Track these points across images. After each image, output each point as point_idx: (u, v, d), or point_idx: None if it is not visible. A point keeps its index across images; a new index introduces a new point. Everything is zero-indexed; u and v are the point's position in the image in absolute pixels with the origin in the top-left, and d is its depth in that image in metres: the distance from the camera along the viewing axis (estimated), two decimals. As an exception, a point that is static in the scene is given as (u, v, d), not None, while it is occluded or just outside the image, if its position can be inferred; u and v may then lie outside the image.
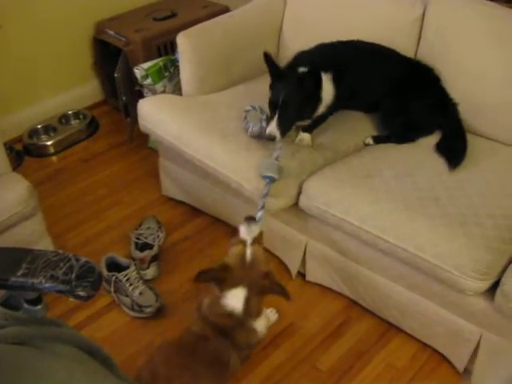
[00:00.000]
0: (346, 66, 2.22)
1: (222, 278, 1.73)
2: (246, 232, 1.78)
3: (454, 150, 2.19)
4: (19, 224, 2.15)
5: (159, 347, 1.83)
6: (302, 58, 2.24)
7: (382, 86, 2.35)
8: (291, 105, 2.01)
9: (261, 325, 1.81)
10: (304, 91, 2.02)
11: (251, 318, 1.76)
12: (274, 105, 2.03)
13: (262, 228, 1.83)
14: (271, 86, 2.09)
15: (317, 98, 2.09)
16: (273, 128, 2.01)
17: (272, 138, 2.02)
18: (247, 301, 1.72)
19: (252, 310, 1.74)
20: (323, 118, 2.25)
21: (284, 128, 2.02)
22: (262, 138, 2.16)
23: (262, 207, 1.95)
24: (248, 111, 2.22)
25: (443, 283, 1.88)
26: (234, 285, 1.73)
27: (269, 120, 2.06)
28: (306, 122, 2.21)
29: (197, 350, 1.72)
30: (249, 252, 1.74)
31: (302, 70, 2.08)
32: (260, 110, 2.17)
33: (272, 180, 2.00)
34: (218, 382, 1.76)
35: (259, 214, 1.91)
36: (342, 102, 2.25)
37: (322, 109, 2.16)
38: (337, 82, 2.15)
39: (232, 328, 1.74)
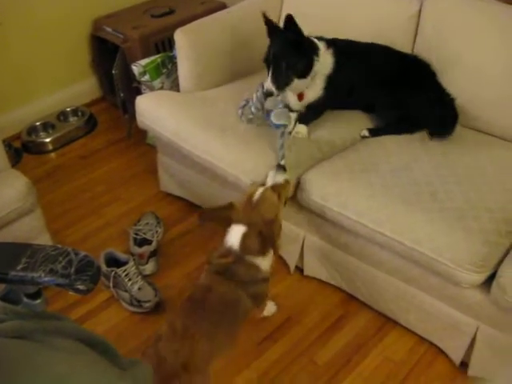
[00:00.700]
0: (345, 49, 2.27)
1: (225, 216, 1.80)
2: (269, 176, 1.87)
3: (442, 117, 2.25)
4: (18, 220, 2.17)
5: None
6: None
7: (378, 81, 2.36)
8: (282, 59, 2.05)
9: (264, 263, 1.83)
10: (293, 45, 2.06)
11: (250, 255, 1.79)
12: (267, 61, 2.10)
13: (289, 179, 1.91)
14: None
15: (310, 55, 2.12)
16: (268, 84, 2.08)
17: (269, 94, 2.10)
18: (245, 238, 1.77)
19: (251, 247, 1.78)
20: (319, 106, 2.27)
21: (279, 82, 2.07)
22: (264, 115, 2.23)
23: (283, 157, 2.01)
24: (244, 106, 2.26)
25: (440, 276, 1.89)
26: (236, 222, 1.79)
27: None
28: (304, 87, 2.20)
29: (206, 299, 1.76)
30: (258, 194, 1.79)
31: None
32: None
33: (285, 127, 2.09)
34: (232, 324, 1.80)
35: (281, 162, 1.98)
36: (337, 93, 2.28)
37: (319, 72, 2.17)
38: (337, 59, 2.20)
39: (232, 264, 1.78)
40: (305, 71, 2.13)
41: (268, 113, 2.22)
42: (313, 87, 2.21)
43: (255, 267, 1.81)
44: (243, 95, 2.31)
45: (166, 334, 1.70)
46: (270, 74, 2.08)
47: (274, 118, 2.12)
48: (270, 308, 2.24)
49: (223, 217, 1.82)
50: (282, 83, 2.08)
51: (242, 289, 1.79)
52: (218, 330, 1.74)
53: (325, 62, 2.18)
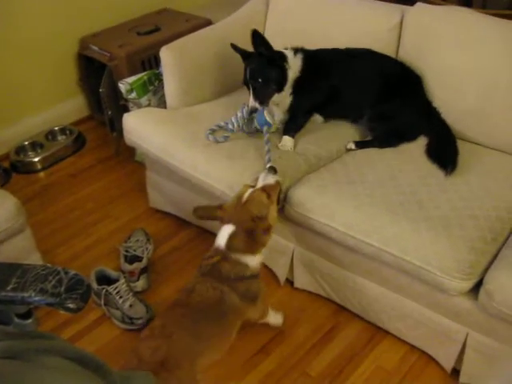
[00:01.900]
0: (318, 54, 2.38)
1: (215, 217, 1.88)
2: (260, 178, 1.93)
3: (446, 155, 2.22)
4: (8, 240, 2.17)
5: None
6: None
7: (363, 88, 2.39)
8: (258, 76, 2.19)
9: (253, 261, 1.88)
10: (264, 60, 2.20)
11: (237, 253, 1.84)
12: (246, 83, 2.24)
13: (279, 180, 1.97)
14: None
15: (281, 64, 2.24)
16: (251, 102, 2.22)
17: (254, 110, 2.23)
18: (232, 236, 1.83)
19: (237, 245, 1.83)
20: (298, 110, 2.35)
21: (260, 98, 2.21)
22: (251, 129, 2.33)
23: (269, 160, 2.10)
24: (213, 130, 2.36)
25: (428, 284, 1.91)
26: (225, 222, 1.86)
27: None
28: (280, 98, 2.30)
29: (189, 301, 1.79)
30: (247, 194, 1.85)
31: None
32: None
33: (269, 127, 2.24)
34: (219, 321, 1.81)
35: (268, 165, 2.04)
36: (312, 95, 2.36)
37: (291, 77, 2.27)
38: (306, 61, 2.31)
39: (217, 263, 1.83)
40: (280, 82, 2.24)
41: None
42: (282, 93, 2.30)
43: (242, 265, 1.85)
44: (229, 111, 2.34)
45: (146, 335, 1.73)
46: (251, 93, 2.22)
47: (257, 118, 2.25)
48: (277, 318, 2.25)
49: (213, 217, 1.90)
50: (263, 98, 2.22)
51: (228, 286, 1.82)
52: (202, 327, 1.76)
53: (293, 66, 2.27)
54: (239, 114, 2.31)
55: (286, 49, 2.31)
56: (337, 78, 2.36)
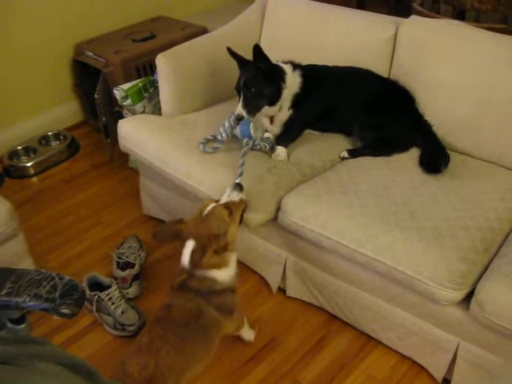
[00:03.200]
0: (319, 75, 2.38)
1: (176, 231, 1.86)
2: (225, 193, 1.93)
3: (438, 161, 2.26)
4: (0, 245, 2.16)
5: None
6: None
7: (358, 105, 2.41)
8: (252, 86, 2.18)
9: (221, 275, 1.86)
10: (261, 73, 2.19)
11: (201, 269, 1.82)
12: (238, 89, 2.22)
13: (244, 198, 1.96)
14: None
15: (278, 81, 2.23)
16: (239, 109, 2.19)
17: (240, 118, 2.20)
18: (193, 252, 1.80)
19: (198, 261, 1.79)
20: (294, 126, 2.35)
21: (249, 107, 2.19)
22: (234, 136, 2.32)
23: (241, 175, 2.08)
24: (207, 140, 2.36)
25: (419, 294, 1.92)
26: (187, 237, 1.84)
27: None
28: (275, 111, 2.30)
29: (169, 315, 1.80)
30: (208, 209, 1.84)
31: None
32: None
33: (250, 138, 2.23)
34: (200, 335, 1.81)
35: (238, 180, 2.04)
36: (310, 112, 2.36)
37: (288, 95, 2.27)
38: (306, 80, 2.31)
39: (186, 280, 1.84)
40: (273, 98, 2.24)
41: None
42: (281, 107, 2.30)
43: (210, 280, 1.84)
44: (223, 119, 2.35)
45: (133, 351, 1.72)
46: (241, 100, 2.20)
47: (241, 128, 2.26)
48: (249, 334, 2.24)
49: (175, 232, 1.87)
50: (251, 108, 2.20)
51: (203, 299, 1.82)
52: (185, 341, 1.76)
53: (292, 83, 2.28)
54: (226, 124, 2.31)
55: (286, 63, 2.31)
56: (332, 94, 2.38)
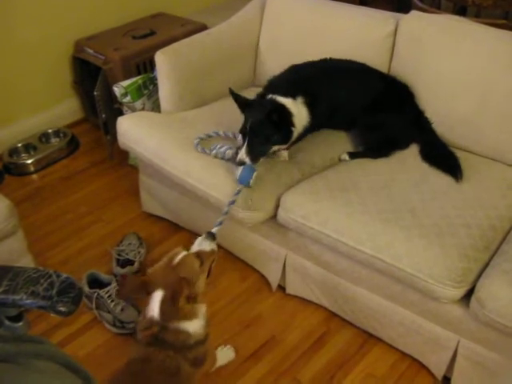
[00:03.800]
0: (319, 88, 2.27)
1: (142, 283, 1.71)
2: (196, 242, 1.83)
3: (448, 162, 2.25)
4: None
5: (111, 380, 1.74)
6: (273, 84, 2.29)
7: (358, 103, 2.39)
8: (258, 133, 2.07)
9: (193, 326, 1.73)
10: (270, 121, 2.07)
11: (173, 321, 1.70)
12: (243, 133, 2.11)
13: (215, 249, 1.85)
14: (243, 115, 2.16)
15: (288, 125, 2.12)
16: (242, 154, 2.07)
17: (242, 164, 2.08)
18: (163, 303, 1.67)
19: (170, 312, 1.68)
20: (300, 138, 2.28)
21: (253, 154, 2.07)
22: (233, 162, 2.19)
23: (220, 224, 1.98)
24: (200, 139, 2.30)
25: (419, 292, 1.92)
26: (154, 288, 1.70)
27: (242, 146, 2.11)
28: (284, 147, 2.23)
29: (145, 372, 1.67)
30: (178, 258, 1.73)
31: (270, 97, 2.15)
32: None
33: (248, 186, 2.07)
34: None
35: (214, 229, 1.93)
36: (319, 122, 2.30)
37: (297, 132, 2.17)
38: (310, 105, 2.19)
39: (158, 334, 1.69)
40: (283, 141, 2.16)
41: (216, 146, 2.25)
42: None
43: (184, 333, 1.71)
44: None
45: None
46: (245, 145, 2.08)
47: (242, 172, 2.08)
48: (225, 359, 2.16)
49: (141, 285, 1.72)
50: (256, 156, 2.09)
51: (180, 355, 1.71)
52: None
53: (300, 119, 2.17)
54: (224, 150, 2.23)
55: (285, 96, 2.16)
56: (333, 100, 2.33)
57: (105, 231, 2.83)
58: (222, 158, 2.24)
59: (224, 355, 2.16)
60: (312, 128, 2.28)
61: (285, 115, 2.11)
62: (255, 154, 2.08)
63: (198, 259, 1.76)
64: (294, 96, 2.17)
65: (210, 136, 2.35)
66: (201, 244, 1.84)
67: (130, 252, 2.53)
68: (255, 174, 2.06)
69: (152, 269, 1.76)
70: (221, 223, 1.98)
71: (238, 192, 2.07)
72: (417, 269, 1.85)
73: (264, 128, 2.07)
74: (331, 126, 2.46)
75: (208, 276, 1.83)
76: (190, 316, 1.73)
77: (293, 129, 2.13)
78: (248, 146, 2.07)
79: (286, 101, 2.14)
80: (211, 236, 1.86)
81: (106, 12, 3.58)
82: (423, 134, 2.38)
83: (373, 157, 2.33)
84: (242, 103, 2.16)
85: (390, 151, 2.35)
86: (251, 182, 2.06)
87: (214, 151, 2.24)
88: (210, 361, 1.95)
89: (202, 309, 1.78)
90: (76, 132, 3.59)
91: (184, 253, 1.76)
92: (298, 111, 2.16)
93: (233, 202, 2.07)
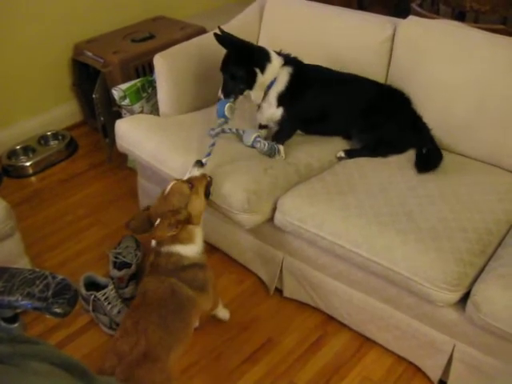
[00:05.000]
0: (311, 78, 2.36)
1: (146, 217, 1.91)
2: (188, 171, 1.99)
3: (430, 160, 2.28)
4: (-3, 244, 2.17)
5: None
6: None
7: (353, 110, 2.41)
8: (226, 70, 2.26)
9: (187, 250, 1.90)
10: (236, 56, 2.24)
11: (166, 245, 1.88)
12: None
13: (205, 173, 2.04)
14: None
15: (252, 67, 2.24)
16: (219, 91, 2.29)
17: (219, 99, 2.29)
18: (155, 228, 1.83)
19: (155, 233, 1.83)
20: (286, 122, 2.34)
21: (226, 91, 2.28)
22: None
23: (208, 155, 2.15)
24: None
25: (415, 295, 1.92)
26: (154, 219, 1.87)
27: None
28: (258, 98, 2.33)
29: (146, 301, 1.81)
30: (169, 186, 1.92)
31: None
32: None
33: (225, 118, 2.28)
34: (179, 311, 1.83)
35: (204, 159, 2.10)
36: (302, 113, 2.36)
37: (266, 81, 2.26)
38: (293, 77, 2.29)
39: (153, 260, 1.90)
40: (248, 82, 2.26)
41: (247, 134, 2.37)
42: (267, 102, 2.32)
43: (175, 255, 1.88)
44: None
45: (120, 335, 1.73)
46: (222, 83, 2.28)
47: (218, 107, 2.28)
48: (224, 313, 2.31)
49: (146, 218, 1.91)
50: (228, 92, 2.27)
51: (173, 276, 1.85)
52: (167, 321, 1.77)
53: (278, 80, 2.28)
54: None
55: (283, 55, 2.31)
56: (325, 100, 2.38)
57: (103, 234, 2.83)
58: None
59: (223, 311, 2.31)
60: (297, 120, 2.38)
61: (257, 55, 2.26)
62: (227, 90, 2.27)
63: (186, 184, 1.92)
64: (286, 62, 2.30)
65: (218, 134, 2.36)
66: (191, 172, 2.00)
67: (127, 255, 2.53)
68: (227, 105, 2.25)
69: (153, 203, 1.94)
70: (209, 154, 2.16)
71: (220, 125, 2.28)
72: (413, 272, 1.85)
73: (228, 64, 2.25)
74: (328, 132, 2.48)
75: (208, 197, 2.04)
76: (183, 240, 1.89)
77: (256, 70, 2.23)
78: (223, 83, 2.27)
79: (276, 55, 2.29)
80: (199, 163, 2.04)
81: (106, 15, 3.59)
82: (421, 140, 2.38)
83: (370, 155, 2.35)
84: (221, 41, 2.27)
85: (387, 152, 2.36)
86: (226, 113, 2.25)
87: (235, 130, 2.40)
88: (212, 297, 2.07)
89: (197, 231, 1.95)
90: (75, 135, 3.60)
91: (174, 182, 1.94)
92: (280, 70, 2.28)
93: (217, 134, 2.26)
